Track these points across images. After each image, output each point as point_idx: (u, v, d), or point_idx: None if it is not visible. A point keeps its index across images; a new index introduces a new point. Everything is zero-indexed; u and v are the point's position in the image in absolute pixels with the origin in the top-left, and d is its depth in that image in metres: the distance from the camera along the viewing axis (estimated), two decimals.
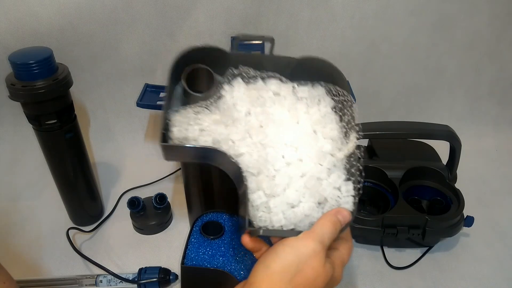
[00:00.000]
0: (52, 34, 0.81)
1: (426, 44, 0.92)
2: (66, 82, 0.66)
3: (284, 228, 0.42)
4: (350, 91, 0.48)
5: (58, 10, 0.79)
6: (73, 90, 0.69)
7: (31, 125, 0.68)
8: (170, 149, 0.44)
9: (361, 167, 0.44)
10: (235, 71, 0.49)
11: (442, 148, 0.82)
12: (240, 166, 0.43)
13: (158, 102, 0.71)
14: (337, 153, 0.45)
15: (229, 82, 0.49)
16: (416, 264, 0.71)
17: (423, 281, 0.69)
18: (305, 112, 0.47)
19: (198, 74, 0.49)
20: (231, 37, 0.78)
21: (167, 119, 0.45)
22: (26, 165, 0.95)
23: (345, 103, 0.48)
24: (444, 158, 0.81)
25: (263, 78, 0.50)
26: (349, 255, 0.44)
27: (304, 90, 0.49)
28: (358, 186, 0.44)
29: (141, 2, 0.81)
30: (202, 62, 0.49)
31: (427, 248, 0.74)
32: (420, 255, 0.73)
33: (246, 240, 0.43)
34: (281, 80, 0.50)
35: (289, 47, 0.89)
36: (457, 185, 0.76)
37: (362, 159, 0.45)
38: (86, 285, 0.68)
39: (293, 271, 0.38)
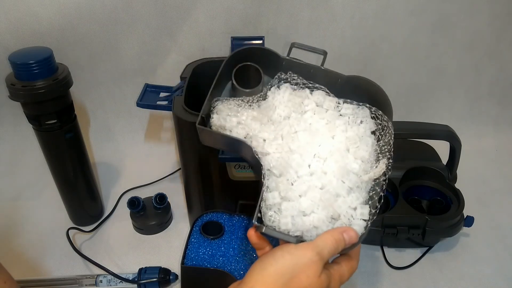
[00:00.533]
0: (52, 34, 0.81)
1: (426, 44, 0.92)
2: (66, 82, 0.66)
3: (290, 233, 0.42)
4: (391, 116, 0.48)
5: (58, 10, 0.79)
6: (73, 90, 0.69)
7: (31, 125, 0.68)
8: (204, 132, 0.47)
9: (382, 194, 0.44)
10: (284, 76, 0.51)
11: (442, 148, 0.82)
12: (262, 164, 0.44)
13: (158, 102, 0.71)
14: (363, 175, 0.45)
15: (277, 85, 0.51)
16: (416, 264, 0.71)
17: (423, 281, 0.69)
18: (343, 129, 0.48)
19: (248, 71, 0.51)
20: (231, 37, 0.78)
21: (212, 106, 0.49)
22: (26, 165, 0.95)
23: (384, 128, 0.48)
24: (444, 158, 0.81)
25: (310, 88, 0.51)
26: (350, 272, 0.43)
27: (349, 108, 0.50)
28: (374, 211, 0.44)
29: (141, 2, 0.81)
30: (255, 61, 0.51)
31: (427, 248, 0.74)
32: (420, 255, 0.73)
33: (251, 233, 0.43)
34: (327, 93, 0.51)
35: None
36: (457, 185, 0.76)
37: (385, 188, 0.45)
38: (86, 285, 0.68)
39: (288, 276, 0.38)
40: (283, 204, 0.43)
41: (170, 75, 0.90)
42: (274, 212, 0.43)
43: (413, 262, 0.71)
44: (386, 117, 0.48)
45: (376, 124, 0.49)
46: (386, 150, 0.47)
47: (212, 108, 0.49)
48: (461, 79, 0.98)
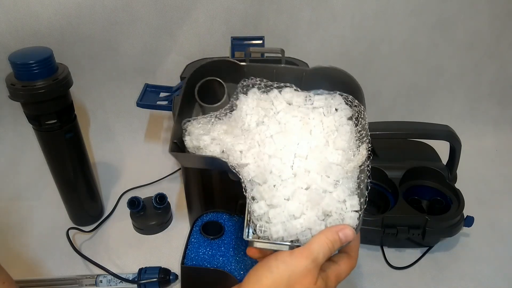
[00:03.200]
0: (52, 34, 0.81)
1: (426, 44, 0.92)
2: (66, 82, 0.66)
3: (284, 240, 0.42)
4: (363, 100, 0.48)
5: (58, 10, 0.79)
6: (73, 90, 0.69)
7: (31, 125, 0.68)
8: (179, 157, 0.47)
9: (368, 181, 0.44)
10: (249, 82, 0.50)
11: (442, 148, 0.82)
12: (241, 176, 0.44)
13: (158, 102, 0.71)
14: (346, 164, 0.44)
15: (244, 93, 0.50)
16: (416, 264, 0.71)
17: (423, 281, 0.69)
18: (318, 122, 0.47)
19: (213, 85, 0.51)
20: (231, 37, 0.78)
21: (183, 128, 0.48)
22: (26, 165, 0.95)
23: (358, 113, 0.48)
24: (444, 158, 0.81)
25: (278, 88, 0.50)
26: (347, 272, 0.42)
27: (321, 99, 0.49)
28: (363, 200, 0.43)
29: (141, 2, 0.81)
30: (217, 74, 0.51)
31: (427, 248, 0.74)
32: (420, 255, 0.73)
33: (251, 252, 0.43)
34: (295, 90, 0.50)
35: (289, 47, 0.89)
36: (457, 185, 0.76)
37: (369, 174, 0.44)
38: (86, 285, 0.68)
39: (284, 287, 0.37)
40: (270, 212, 0.42)
41: (170, 75, 0.90)
42: (265, 222, 0.42)
43: (413, 262, 0.71)
44: (357, 101, 0.48)
45: (351, 110, 0.48)
46: (364, 135, 0.46)
47: (183, 131, 0.49)
48: (461, 79, 0.98)
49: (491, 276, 0.69)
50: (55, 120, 0.67)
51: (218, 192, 0.72)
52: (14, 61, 0.62)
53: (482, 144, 1.02)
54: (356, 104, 0.48)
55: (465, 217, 0.72)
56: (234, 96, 0.51)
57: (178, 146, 0.48)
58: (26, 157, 0.95)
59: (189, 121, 0.49)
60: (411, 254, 0.73)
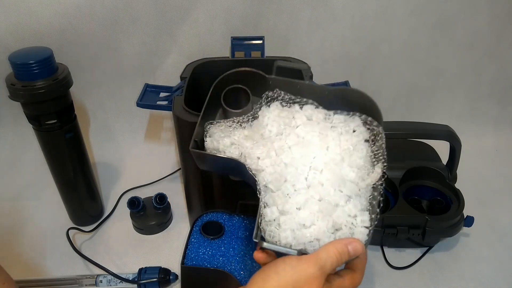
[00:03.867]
0: (52, 34, 0.81)
1: (426, 44, 0.92)
2: (66, 82, 0.66)
3: (292, 247, 0.42)
4: (382, 122, 0.48)
5: (58, 10, 0.79)
6: (73, 90, 0.69)
7: (31, 125, 0.68)
8: (198, 155, 0.48)
9: (381, 199, 0.44)
10: (272, 94, 0.52)
11: (442, 148, 0.82)
12: (257, 180, 0.45)
13: (158, 102, 0.72)
14: (360, 182, 0.45)
15: (266, 103, 0.52)
16: (416, 264, 0.71)
17: (423, 281, 0.69)
18: (336, 139, 0.48)
19: (237, 92, 0.53)
20: (231, 37, 0.78)
21: (205, 130, 0.50)
22: (26, 165, 0.95)
23: (376, 134, 0.48)
24: (444, 158, 0.81)
25: (299, 103, 0.52)
26: (352, 287, 0.42)
27: (340, 119, 0.50)
28: (374, 216, 0.43)
29: (141, 2, 0.81)
30: (242, 82, 0.53)
31: (427, 248, 0.74)
32: (420, 255, 0.73)
33: (258, 255, 0.43)
34: (316, 106, 0.51)
35: (289, 47, 0.89)
36: (457, 185, 0.76)
37: (382, 192, 0.45)
38: (86, 285, 0.68)
39: None
40: (281, 218, 0.43)
41: (170, 75, 0.90)
42: (275, 227, 0.43)
43: (413, 262, 0.71)
44: (376, 122, 0.48)
45: (369, 131, 0.49)
46: (380, 154, 0.47)
47: (205, 132, 0.50)
48: (461, 79, 0.98)
49: (491, 276, 0.69)
50: (55, 120, 0.67)
51: (218, 192, 0.72)
52: (14, 61, 0.62)
53: (482, 144, 1.02)
54: (375, 125, 0.48)
55: (465, 217, 0.72)
56: (257, 106, 0.52)
57: (198, 145, 0.49)
58: (26, 157, 0.95)
59: (212, 123, 0.51)
60: (411, 254, 0.73)
